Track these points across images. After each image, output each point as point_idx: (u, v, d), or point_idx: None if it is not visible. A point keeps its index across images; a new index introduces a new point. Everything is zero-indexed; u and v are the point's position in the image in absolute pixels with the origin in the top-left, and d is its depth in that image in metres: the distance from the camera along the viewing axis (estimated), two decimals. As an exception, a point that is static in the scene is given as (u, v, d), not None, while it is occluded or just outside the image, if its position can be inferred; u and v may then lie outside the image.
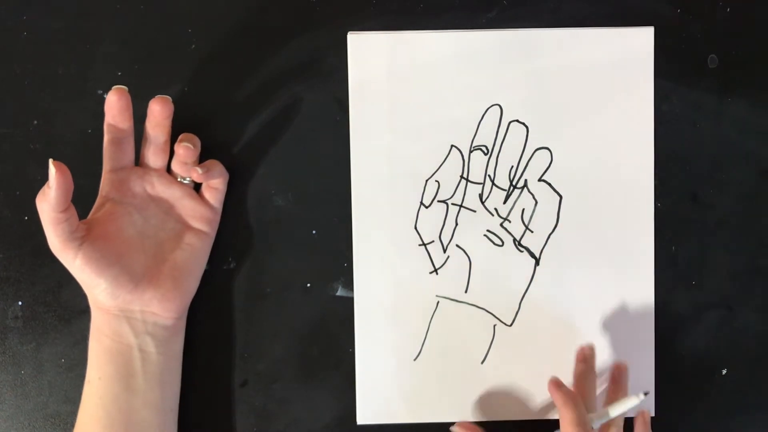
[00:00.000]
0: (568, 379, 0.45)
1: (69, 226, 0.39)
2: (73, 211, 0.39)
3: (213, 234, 0.45)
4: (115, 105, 0.41)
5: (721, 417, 0.47)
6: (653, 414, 0.46)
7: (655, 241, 0.46)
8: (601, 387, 0.46)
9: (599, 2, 0.46)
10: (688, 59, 0.46)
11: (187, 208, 0.44)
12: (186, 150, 0.42)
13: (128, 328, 0.42)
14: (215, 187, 0.45)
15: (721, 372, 0.47)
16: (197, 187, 0.45)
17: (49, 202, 0.38)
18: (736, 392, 0.47)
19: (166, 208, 0.44)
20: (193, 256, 0.44)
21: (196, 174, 0.42)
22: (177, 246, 0.44)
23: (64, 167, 0.38)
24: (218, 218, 0.45)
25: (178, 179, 0.44)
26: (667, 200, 0.46)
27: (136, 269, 0.42)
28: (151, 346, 0.42)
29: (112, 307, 0.42)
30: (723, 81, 0.46)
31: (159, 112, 0.42)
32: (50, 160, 0.37)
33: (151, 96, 0.41)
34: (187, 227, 0.44)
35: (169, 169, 0.45)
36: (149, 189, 0.44)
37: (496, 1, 0.46)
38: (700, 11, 0.46)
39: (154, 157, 0.44)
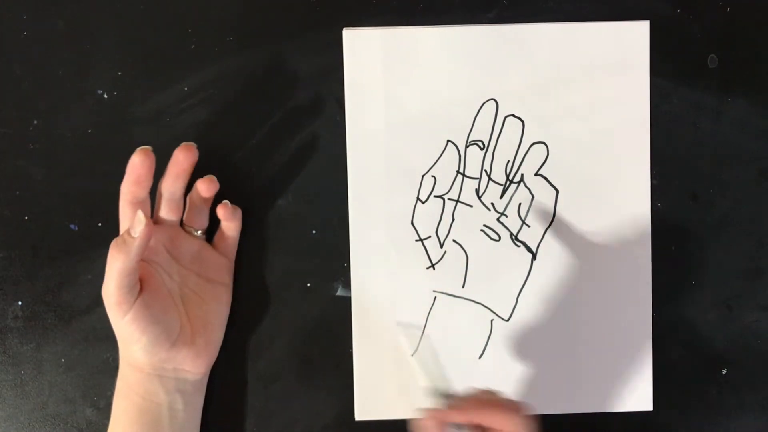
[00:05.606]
0: (562, 374, 0.45)
1: (133, 279, 0.38)
2: (141, 262, 0.38)
3: (231, 284, 0.45)
4: (138, 167, 0.38)
5: (721, 417, 0.47)
6: (650, 409, 0.47)
7: (655, 241, 0.46)
8: (599, 386, 0.46)
9: (600, 3, 0.46)
10: (688, 59, 0.46)
11: (205, 260, 0.43)
12: (210, 182, 0.41)
13: (160, 386, 0.41)
14: (229, 235, 0.44)
15: (721, 372, 0.47)
16: (209, 240, 0.45)
17: (128, 253, 0.36)
18: (736, 392, 0.47)
19: (186, 264, 0.43)
20: (218, 310, 0.44)
21: (226, 209, 0.42)
22: (202, 301, 0.43)
23: (150, 220, 0.36)
24: (233, 268, 0.45)
25: (193, 233, 0.43)
26: (667, 200, 0.46)
27: (173, 327, 0.41)
28: (179, 404, 0.42)
29: (146, 365, 0.40)
30: (723, 81, 0.46)
31: (182, 162, 0.40)
32: (139, 213, 0.36)
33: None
34: (207, 281, 0.43)
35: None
36: (168, 246, 0.42)
37: (495, 1, 0.46)
38: (700, 11, 0.46)
39: (170, 213, 0.42)
